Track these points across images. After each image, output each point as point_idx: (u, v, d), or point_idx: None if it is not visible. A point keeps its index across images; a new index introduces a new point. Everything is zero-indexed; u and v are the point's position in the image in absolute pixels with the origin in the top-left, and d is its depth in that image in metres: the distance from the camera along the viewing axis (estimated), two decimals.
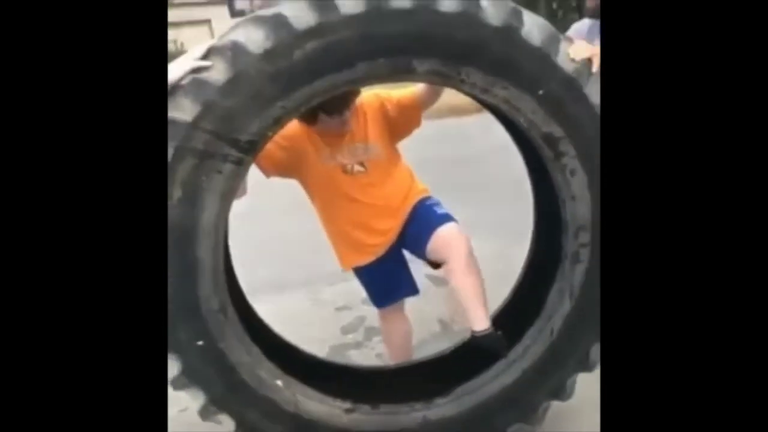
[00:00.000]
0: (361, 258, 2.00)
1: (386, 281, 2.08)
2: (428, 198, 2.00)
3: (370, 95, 1.93)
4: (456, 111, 6.75)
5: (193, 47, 1.45)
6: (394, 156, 1.99)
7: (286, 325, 2.18)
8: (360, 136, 1.89)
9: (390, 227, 1.96)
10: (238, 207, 1.61)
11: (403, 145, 2.02)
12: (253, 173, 1.68)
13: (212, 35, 20.22)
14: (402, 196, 1.96)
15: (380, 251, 1.98)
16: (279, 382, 1.64)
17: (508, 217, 2.40)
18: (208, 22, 20.37)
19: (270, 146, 1.72)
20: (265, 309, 2.10)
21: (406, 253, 2.06)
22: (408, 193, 1.97)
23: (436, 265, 1.98)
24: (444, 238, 1.84)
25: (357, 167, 1.89)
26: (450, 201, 2.02)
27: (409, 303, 2.12)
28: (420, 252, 1.96)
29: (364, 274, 2.08)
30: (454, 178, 2.57)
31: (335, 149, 1.88)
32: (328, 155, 1.88)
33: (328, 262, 1.93)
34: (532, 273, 2.10)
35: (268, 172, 1.91)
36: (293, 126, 1.83)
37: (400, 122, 1.94)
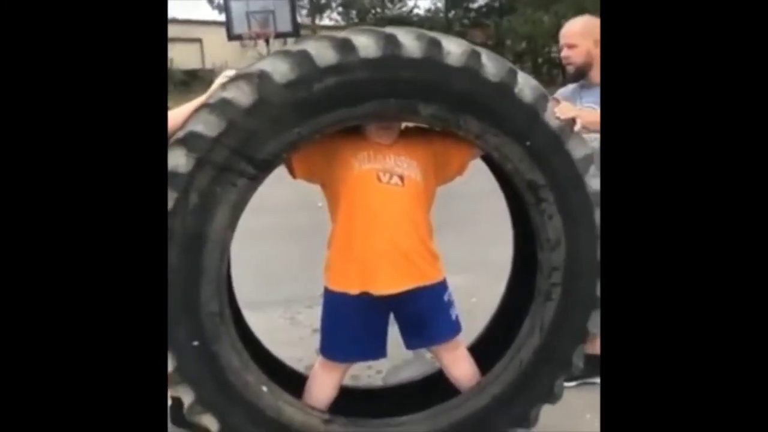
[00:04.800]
0: (352, 284, 1.80)
1: (359, 331, 1.86)
2: (446, 287, 1.90)
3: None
4: None
5: (224, 72, 1.61)
6: (430, 193, 1.88)
7: (263, 341, 2.27)
8: (406, 151, 1.81)
9: (400, 273, 1.79)
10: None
11: None
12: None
13: (202, 55, 20.09)
14: (420, 245, 1.82)
15: (374, 288, 1.79)
16: (264, 388, 1.74)
17: (490, 255, 2.55)
18: (199, 41, 20.24)
19: (306, 148, 1.70)
20: None
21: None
22: (426, 247, 1.84)
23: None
24: (456, 355, 1.95)
25: (395, 179, 1.78)
26: (442, 235, 2.00)
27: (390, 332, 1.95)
28: (415, 337, 1.93)
29: (342, 310, 1.86)
30: (448, 212, 2.68)
31: (377, 153, 1.78)
32: (366, 158, 1.78)
33: (307, 286, 1.97)
34: (507, 308, 2.25)
35: (297, 173, 1.81)
36: None
37: (444, 162, 1.87)
